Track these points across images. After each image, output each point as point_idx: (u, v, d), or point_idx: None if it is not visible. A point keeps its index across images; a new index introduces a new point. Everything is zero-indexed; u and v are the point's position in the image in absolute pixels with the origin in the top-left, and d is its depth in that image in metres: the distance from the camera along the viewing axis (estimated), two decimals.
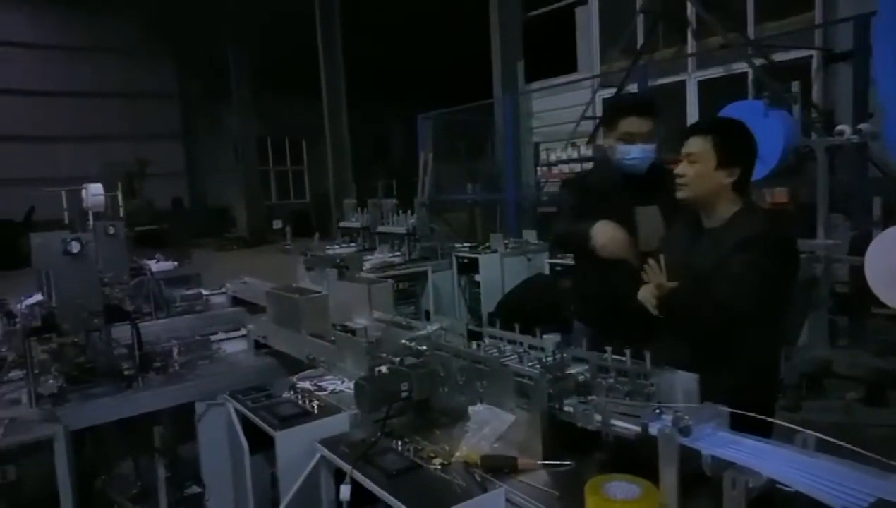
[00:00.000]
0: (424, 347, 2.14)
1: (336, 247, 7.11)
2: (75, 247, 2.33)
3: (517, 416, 1.64)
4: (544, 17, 10.83)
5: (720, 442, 1.31)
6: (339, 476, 1.78)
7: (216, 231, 19.27)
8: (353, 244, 7.20)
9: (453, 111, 10.40)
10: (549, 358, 1.73)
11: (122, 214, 2.97)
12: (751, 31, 7.73)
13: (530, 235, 6.56)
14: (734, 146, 1.98)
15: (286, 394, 2.11)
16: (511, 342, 1.93)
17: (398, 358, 2.09)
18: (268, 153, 22.56)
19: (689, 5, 8.27)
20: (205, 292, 4.29)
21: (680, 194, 2.01)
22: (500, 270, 5.98)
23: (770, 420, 1.40)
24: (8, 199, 15.81)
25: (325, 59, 15.67)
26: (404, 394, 1.90)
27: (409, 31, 16.39)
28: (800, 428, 1.26)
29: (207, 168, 21.45)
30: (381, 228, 6.47)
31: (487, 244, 6.29)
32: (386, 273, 5.54)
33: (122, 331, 2.73)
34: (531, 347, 1.85)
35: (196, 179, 21.64)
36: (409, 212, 6.54)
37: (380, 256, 6.18)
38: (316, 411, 1.94)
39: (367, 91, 17.31)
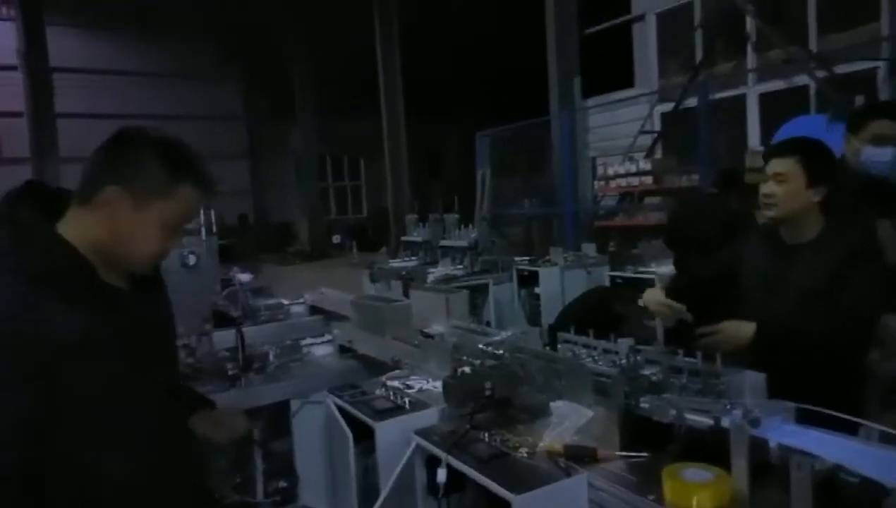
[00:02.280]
0: (501, 351, 2.34)
1: (400, 260, 7.41)
2: (192, 260, 2.63)
3: (595, 412, 1.81)
4: (601, 34, 10.95)
5: (787, 433, 1.45)
6: (431, 463, 1.98)
7: (279, 245, 20.01)
8: (414, 258, 7.47)
9: (510, 128, 10.61)
10: (623, 361, 1.89)
11: (214, 230, 3.28)
12: (813, 43, 7.66)
13: (589, 248, 6.67)
14: (822, 165, 2.09)
15: (378, 391, 2.33)
16: (585, 346, 2.10)
17: (477, 361, 2.29)
18: (327, 169, 23.28)
19: (748, 19, 8.26)
20: (285, 302, 4.60)
21: (769, 213, 2.11)
22: (560, 283, 6.11)
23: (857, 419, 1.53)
24: None
25: (385, 77, 16.18)
26: (487, 392, 2.10)
27: (465, 49, 16.76)
28: (865, 422, 1.40)
29: (270, 185, 22.34)
30: (443, 242, 6.70)
31: (547, 257, 6.43)
32: (449, 285, 5.76)
33: (221, 336, 3.03)
34: (605, 351, 2.02)
35: (260, 196, 22.56)
36: (467, 226, 6.76)
37: (442, 269, 6.41)
38: (408, 406, 2.15)
39: (423, 108, 17.75)
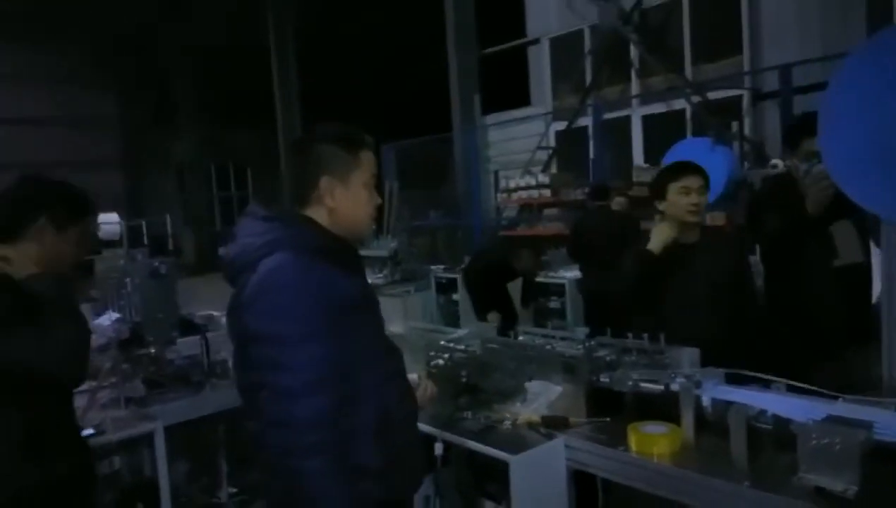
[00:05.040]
0: (464, 345, 2.65)
1: None
2: (163, 269, 2.72)
3: (564, 388, 2.16)
4: (498, 54, 11.59)
5: (721, 392, 1.87)
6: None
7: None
8: None
9: (416, 141, 10.97)
10: (580, 346, 2.26)
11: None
12: (688, 71, 8.63)
13: None
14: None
15: None
16: (544, 336, 2.46)
17: (446, 354, 2.58)
18: (212, 179, 22.29)
19: (632, 48, 9.15)
20: (215, 313, 4.64)
21: (695, 219, 2.55)
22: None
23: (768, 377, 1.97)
24: None
25: (280, 84, 16.04)
26: (463, 379, 2.40)
27: (365, 62, 16.98)
28: (774, 378, 1.83)
29: (149, 196, 21.04)
30: (363, 252, 6.89)
31: (463, 265, 6.80)
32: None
33: (182, 344, 3.11)
34: (562, 338, 2.38)
35: (137, 207, 21.24)
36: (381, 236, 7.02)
37: None
38: None
39: (319, 118, 17.66)
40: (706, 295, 2.46)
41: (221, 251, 1.62)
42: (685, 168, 2.65)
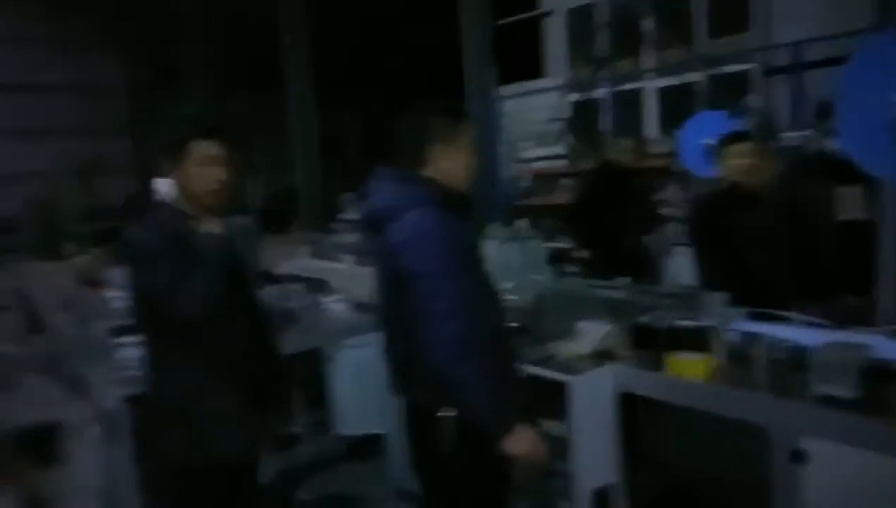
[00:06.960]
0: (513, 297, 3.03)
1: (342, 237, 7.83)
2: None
3: (610, 328, 2.55)
4: (513, 25, 11.78)
5: (746, 326, 2.25)
6: None
7: None
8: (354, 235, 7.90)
9: None
10: (624, 292, 2.64)
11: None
12: (701, 45, 8.88)
13: (522, 224, 7.44)
14: None
15: None
16: (591, 285, 2.84)
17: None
18: None
19: (646, 21, 9.38)
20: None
21: (750, 179, 2.87)
22: (497, 254, 6.85)
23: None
24: None
25: (291, 56, 16.12)
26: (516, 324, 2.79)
27: (374, 35, 17.06)
28: (795, 315, 2.21)
29: (157, 164, 21.06)
30: None
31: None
32: None
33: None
34: (607, 287, 2.77)
35: (147, 175, 21.27)
36: None
37: None
38: None
39: (324, 89, 17.78)
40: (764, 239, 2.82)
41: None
42: (744, 135, 3.03)
